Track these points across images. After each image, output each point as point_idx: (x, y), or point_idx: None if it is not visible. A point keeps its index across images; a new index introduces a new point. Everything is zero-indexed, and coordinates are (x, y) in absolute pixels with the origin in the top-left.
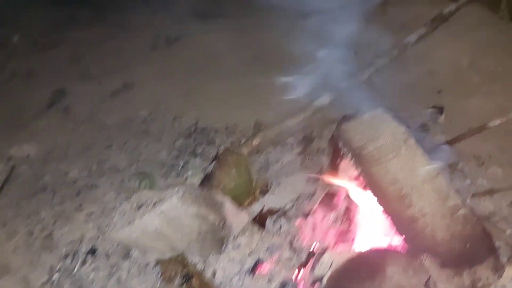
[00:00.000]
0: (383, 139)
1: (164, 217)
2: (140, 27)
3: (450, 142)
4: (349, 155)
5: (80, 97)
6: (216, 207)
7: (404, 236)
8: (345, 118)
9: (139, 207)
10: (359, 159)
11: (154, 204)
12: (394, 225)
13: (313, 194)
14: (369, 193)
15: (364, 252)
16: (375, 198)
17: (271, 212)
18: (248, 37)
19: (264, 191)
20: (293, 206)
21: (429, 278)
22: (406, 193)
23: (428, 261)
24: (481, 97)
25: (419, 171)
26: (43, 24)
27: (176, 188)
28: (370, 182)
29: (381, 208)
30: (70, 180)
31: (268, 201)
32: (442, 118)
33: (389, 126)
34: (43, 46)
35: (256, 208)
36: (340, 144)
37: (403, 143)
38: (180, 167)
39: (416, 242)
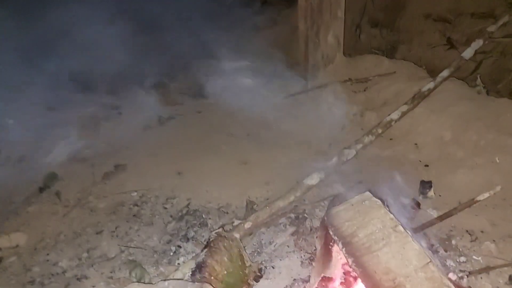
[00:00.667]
0: (373, 226)
1: None
2: (134, 108)
3: (442, 217)
4: (340, 244)
5: (72, 180)
6: None
7: None
8: (334, 202)
9: None
10: (350, 248)
11: None
12: None
13: (307, 280)
14: (361, 284)
15: None
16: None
17: None
18: (238, 114)
19: (257, 277)
20: None
21: None
22: (399, 283)
23: None
24: (467, 171)
25: (411, 259)
26: (37, 104)
27: (166, 283)
28: (363, 273)
29: None
30: (59, 271)
31: (263, 287)
32: (431, 192)
33: (378, 213)
34: (36, 128)
35: None
36: (331, 232)
37: (393, 230)
38: (171, 253)
39: None
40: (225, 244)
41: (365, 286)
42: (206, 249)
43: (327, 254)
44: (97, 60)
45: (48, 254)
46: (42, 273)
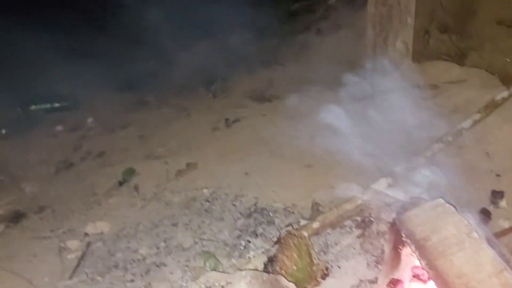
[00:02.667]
0: (446, 231)
1: None
2: (202, 110)
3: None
4: (413, 247)
5: (148, 176)
6: None
7: None
8: (405, 206)
9: None
10: (423, 251)
11: (223, 287)
12: None
13: (375, 281)
14: (431, 286)
15: None
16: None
17: None
18: (304, 119)
19: (325, 275)
20: None
21: None
22: (472, 287)
23: None
24: None
25: (485, 265)
26: (114, 107)
27: (244, 273)
28: (435, 275)
29: None
30: (140, 257)
31: (329, 285)
32: (503, 202)
33: (452, 219)
34: (113, 127)
35: None
36: (403, 235)
37: (467, 236)
38: (242, 247)
39: None
40: (295, 241)
41: (438, 285)
42: (277, 245)
43: (396, 257)
44: (165, 63)
45: (129, 242)
46: (124, 259)
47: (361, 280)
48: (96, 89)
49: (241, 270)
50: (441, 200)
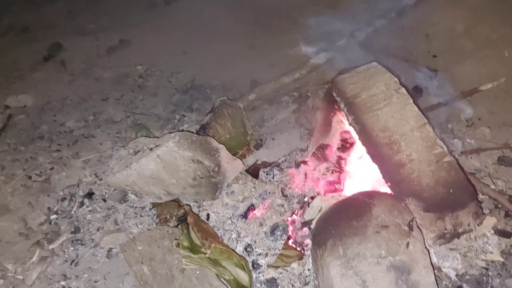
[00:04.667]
0: (376, 88)
1: (161, 161)
2: None
3: (442, 105)
4: (342, 104)
5: (76, 52)
6: (212, 153)
7: (391, 181)
8: (341, 72)
9: (136, 153)
10: (352, 108)
11: (151, 149)
12: (382, 171)
13: (306, 149)
14: (359, 142)
15: (353, 195)
16: (365, 146)
17: (264, 164)
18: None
19: (258, 145)
20: (286, 159)
21: (412, 219)
22: (395, 140)
23: (412, 205)
24: (474, 62)
25: (409, 119)
26: None
27: (173, 134)
28: (361, 130)
29: (370, 156)
30: (67, 130)
31: (262, 155)
32: (435, 81)
33: (383, 77)
34: (39, 1)
35: (250, 161)
36: (334, 94)
37: (395, 92)
38: (176, 121)
39: (402, 187)
40: (229, 111)
41: (362, 143)
42: (210, 114)
43: (327, 124)
44: None
45: (55, 116)
46: (50, 131)
47: (292, 150)
48: None
49: (170, 133)
50: (375, 63)
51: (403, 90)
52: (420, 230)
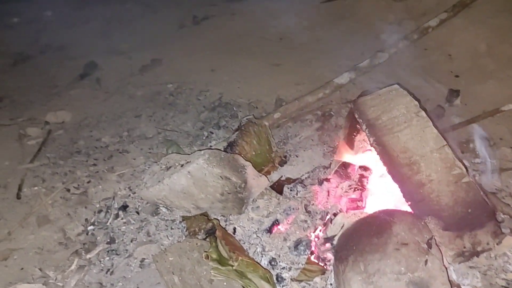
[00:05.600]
0: (396, 111)
1: (191, 177)
2: (169, 7)
3: (465, 123)
4: (364, 126)
5: (111, 70)
6: (239, 170)
7: (411, 200)
8: (363, 94)
9: (168, 168)
10: (373, 129)
11: (182, 166)
12: (402, 190)
13: (328, 166)
14: (380, 162)
15: (374, 212)
16: (386, 166)
17: (288, 181)
18: (272, 19)
19: (282, 162)
20: (309, 176)
21: (431, 237)
22: (415, 161)
23: (432, 223)
24: (496, 82)
25: (429, 141)
26: (74, 0)
27: (203, 152)
28: (382, 151)
29: (391, 175)
30: (103, 145)
31: (286, 172)
32: (458, 101)
33: (403, 100)
34: (74, 21)
35: (274, 177)
36: (356, 115)
37: (415, 115)
38: (204, 137)
39: (422, 206)
40: (255, 129)
41: (383, 163)
42: (237, 132)
43: (350, 142)
44: None
45: (91, 131)
46: (87, 146)
47: (315, 167)
48: None
49: (200, 150)
50: (396, 86)
51: (423, 113)
52: (439, 248)
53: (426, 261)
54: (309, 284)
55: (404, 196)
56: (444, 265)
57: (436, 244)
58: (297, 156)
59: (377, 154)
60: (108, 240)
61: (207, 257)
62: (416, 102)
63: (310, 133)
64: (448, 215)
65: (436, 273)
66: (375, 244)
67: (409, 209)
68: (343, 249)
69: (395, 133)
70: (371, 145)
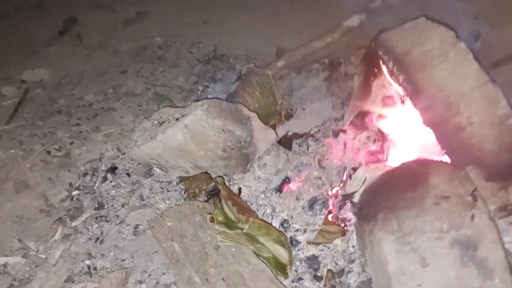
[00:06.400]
0: (430, 44)
1: (188, 132)
2: None
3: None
4: (391, 63)
5: (92, 25)
6: (243, 122)
7: (447, 148)
8: (382, 31)
9: (161, 124)
10: (403, 66)
11: (177, 119)
12: (437, 136)
13: (341, 118)
14: (409, 104)
15: (403, 164)
16: (418, 109)
17: (296, 136)
18: None
19: (288, 115)
20: (319, 130)
21: (476, 189)
22: (453, 101)
23: (473, 173)
24: None
25: (468, 77)
26: None
27: (200, 102)
28: (414, 91)
29: (424, 120)
30: (86, 103)
31: (293, 126)
32: (478, 44)
33: (437, 31)
34: None
35: (280, 132)
36: (380, 52)
37: (452, 47)
38: (199, 92)
39: (461, 153)
40: (257, 79)
41: (414, 105)
42: (237, 82)
43: (366, 89)
44: None
45: (72, 89)
46: (68, 105)
47: (325, 120)
48: None
49: (197, 100)
50: (423, 19)
51: (462, 44)
52: (484, 201)
53: (472, 216)
54: (328, 247)
55: (439, 143)
56: (492, 220)
57: (481, 196)
58: (303, 110)
59: (407, 95)
60: (96, 206)
61: (212, 220)
62: (452, 32)
63: (317, 84)
64: (491, 163)
65: (484, 229)
66: (409, 198)
67: (443, 159)
68: (369, 206)
69: (429, 69)
70: (400, 85)
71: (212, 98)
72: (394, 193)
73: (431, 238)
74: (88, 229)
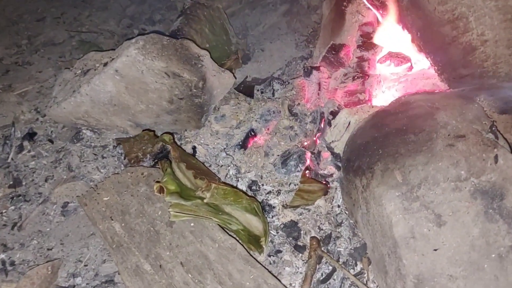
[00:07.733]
0: None
1: (121, 79)
2: None
3: None
4: None
5: None
6: (192, 62)
7: (453, 75)
8: None
9: (86, 72)
10: None
11: (106, 64)
12: (440, 61)
13: (308, 57)
14: (404, 23)
15: (398, 99)
16: (416, 28)
17: (257, 81)
18: None
19: (246, 57)
20: (283, 73)
21: (493, 123)
22: (460, 14)
23: (485, 104)
24: None
25: None
26: None
27: (134, 39)
28: (411, 4)
29: (423, 41)
30: None
31: (251, 70)
32: None
33: None
34: None
35: (238, 78)
36: None
37: None
38: (135, 36)
39: (471, 81)
40: (205, 13)
41: (411, 23)
42: (181, 17)
43: (338, 18)
44: None
45: None
46: None
47: (288, 61)
48: None
49: (131, 38)
50: None
51: None
52: (505, 138)
53: (496, 157)
54: (309, 210)
55: (442, 70)
56: None
57: (499, 132)
58: (262, 51)
59: (402, 11)
60: (11, 183)
61: (161, 190)
62: None
63: (275, 20)
64: (508, 90)
65: (511, 172)
66: (414, 142)
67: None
68: (360, 156)
69: None
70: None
71: (149, 32)
72: (393, 137)
73: (447, 190)
74: (1, 213)
